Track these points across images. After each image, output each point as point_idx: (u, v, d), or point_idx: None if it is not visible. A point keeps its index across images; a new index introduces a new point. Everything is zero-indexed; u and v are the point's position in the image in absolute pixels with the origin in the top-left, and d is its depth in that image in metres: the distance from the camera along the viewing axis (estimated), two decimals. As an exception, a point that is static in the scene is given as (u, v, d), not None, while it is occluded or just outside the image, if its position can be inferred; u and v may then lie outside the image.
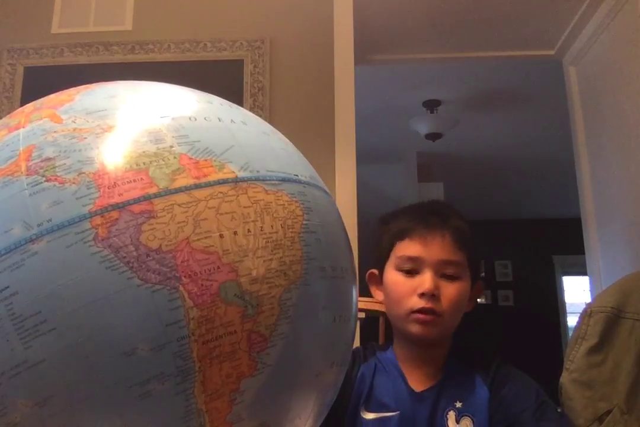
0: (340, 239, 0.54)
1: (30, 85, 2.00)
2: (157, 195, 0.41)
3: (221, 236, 0.42)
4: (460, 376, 0.85)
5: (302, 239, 0.46)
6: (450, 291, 0.83)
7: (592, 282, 2.47)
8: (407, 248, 0.85)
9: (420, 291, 0.81)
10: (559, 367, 0.90)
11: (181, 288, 0.40)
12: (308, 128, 1.96)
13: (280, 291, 0.43)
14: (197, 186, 0.43)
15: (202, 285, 0.40)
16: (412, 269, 0.84)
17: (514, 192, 5.33)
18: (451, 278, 0.83)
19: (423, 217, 0.87)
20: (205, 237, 0.41)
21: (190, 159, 0.44)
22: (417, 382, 0.85)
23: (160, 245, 0.40)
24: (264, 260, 0.43)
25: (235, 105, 0.56)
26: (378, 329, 1.18)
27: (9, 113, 0.52)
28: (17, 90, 2.00)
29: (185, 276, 0.40)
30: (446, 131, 3.77)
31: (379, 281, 0.91)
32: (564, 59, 2.63)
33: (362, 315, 1.39)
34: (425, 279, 0.82)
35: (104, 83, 0.53)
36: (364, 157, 2.30)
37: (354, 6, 2.08)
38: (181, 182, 0.42)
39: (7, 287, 0.39)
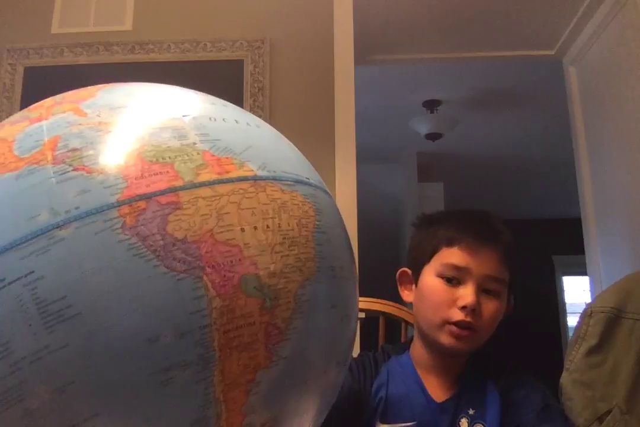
0: (344, 241, 0.55)
1: (30, 85, 2.00)
2: (183, 188, 0.43)
3: (242, 229, 0.43)
4: (474, 383, 0.84)
5: (315, 238, 0.48)
6: (490, 307, 0.81)
7: (592, 282, 2.47)
8: (455, 256, 0.82)
9: (461, 303, 0.79)
10: (559, 368, 0.89)
11: (205, 278, 0.41)
12: (308, 128, 1.96)
13: (296, 286, 0.45)
14: (220, 181, 0.44)
15: (224, 276, 0.41)
16: (454, 278, 0.81)
17: (514, 192, 5.33)
18: (492, 294, 0.81)
19: (476, 227, 0.84)
20: (228, 231, 0.42)
21: (213, 155, 0.45)
22: (436, 391, 0.83)
23: (186, 235, 0.41)
24: (281, 255, 0.44)
25: (245, 110, 0.58)
26: (378, 329, 1.18)
27: (9, 113, 0.53)
28: (17, 90, 2.00)
29: (209, 266, 0.41)
30: (446, 131, 3.77)
31: (411, 281, 0.88)
32: (564, 59, 2.63)
33: (362, 315, 1.39)
34: (469, 292, 0.79)
35: (119, 84, 0.54)
36: (364, 157, 2.30)
37: (354, 6, 2.08)
38: (205, 176, 0.44)
39: (32, 271, 0.39)
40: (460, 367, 0.85)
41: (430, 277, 0.84)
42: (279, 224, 0.45)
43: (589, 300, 2.48)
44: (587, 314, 0.87)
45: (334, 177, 1.91)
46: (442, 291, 0.82)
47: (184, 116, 0.48)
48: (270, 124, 0.58)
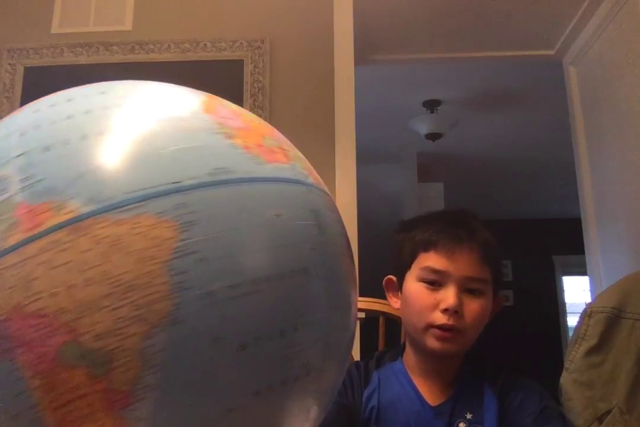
0: (298, 236, 0.45)
1: (30, 85, 2.00)
2: None
3: (53, 294, 0.38)
4: (471, 386, 0.84)
5: (170, 268, 0.39)
6: (473, 307, 0.80)
7: (592, 282, 2.47)
8: (433, 260, 0.82)
9: (443, 306, 0.79)
10: (559, 368, 0.89)
11: (18, 359, 0.38)
12: (308, 128, 1.96)
13: (138, 340, 0.38)
14: (28, 240, 0.38)
15: (38, 352, 0.37)
16: (434, 281, 0.82)
17: (514, 192, 5.33)
18: (475, 293, 0.81)
19: (451, 229, 0.84)
20: (36, 300, 0.38)
21: (28, 206, 0.39)
22: (431, 395, 0.83)
23: None
24: (110, 309, 0.38)
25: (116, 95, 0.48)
26: (378, 329, 1.18)
27: (9, 113, 0.51)
28: (17, 90, 2.00)
29: (20, 346, 0.38)
30: (446, 131, 3.77)
31: (397, 288, 0.89)
32: (564, 59, 2.63)
33: (362, 315, 1.38)
34: (450, 295, 0.79)
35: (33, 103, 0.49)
36: (364, 157, 2.30)
37: (354, 6, 2.08)
38: (13, 239, 0.38)
39: None
40: (455, 370, 0.85)
41: (412, 283, 0.84)
42: (105, 270, 0.38)
43: (589, 300, 2.48)
44: (587, 314, 0.87)
45: (334, 176, 1.91)
46: (425, 295, 0.82)
47: (16, 157, 0.41)
48: (271, 123, 0.55)
